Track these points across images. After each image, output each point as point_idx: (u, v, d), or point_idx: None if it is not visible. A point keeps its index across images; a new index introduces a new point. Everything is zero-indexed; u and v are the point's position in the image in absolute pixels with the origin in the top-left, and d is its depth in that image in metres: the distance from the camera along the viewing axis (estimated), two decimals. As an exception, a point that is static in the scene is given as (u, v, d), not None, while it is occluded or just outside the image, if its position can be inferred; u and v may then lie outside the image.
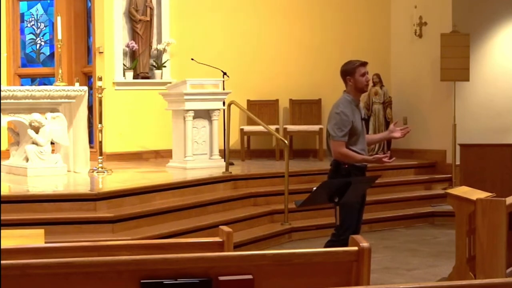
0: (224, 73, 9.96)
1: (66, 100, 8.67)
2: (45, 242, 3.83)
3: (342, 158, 5.47)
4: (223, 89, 9.56)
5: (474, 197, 5.63)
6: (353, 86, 5.52)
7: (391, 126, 5.77)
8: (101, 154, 8.77)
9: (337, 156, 5.47)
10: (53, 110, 8.57)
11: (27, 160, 8.40)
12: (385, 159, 5.45)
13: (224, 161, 9.16)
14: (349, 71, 5.54)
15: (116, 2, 10.63)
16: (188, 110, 9.17)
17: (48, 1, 11.47)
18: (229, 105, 9.21)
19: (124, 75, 10.66)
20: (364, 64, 5.57)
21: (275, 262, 2.89)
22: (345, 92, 5.59)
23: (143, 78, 10.78)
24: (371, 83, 10.81)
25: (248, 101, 11.08)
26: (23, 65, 11.52)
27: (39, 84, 10.93)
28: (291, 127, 10.96)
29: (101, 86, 8.83)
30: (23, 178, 8.21)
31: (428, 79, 10.61)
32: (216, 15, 11.22)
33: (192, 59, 10.30)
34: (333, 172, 5.56)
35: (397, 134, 5.67)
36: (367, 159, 5.56)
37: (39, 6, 11.52)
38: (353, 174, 5.47)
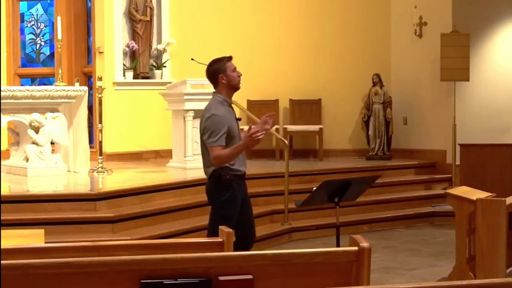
0: (224, 73, 9.94)
1: (66, 100, 8.66)
2: (45, 242, 3.83)
3: (223, 161, 4.99)
4: (223, 89, 9.54)
5: (474, 197, 5.63)
6: (227, 84, 5.14)
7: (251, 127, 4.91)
8: (101, 154, 8.77)
9: (218, 162, 4.99)
10: (53, 110, 8.56)
11: (27, 160, 8.39)
12: (259, 130, 4.80)
13: (224, 161, 9.14)
14: (221, 69, 5.12)
15: (116, 2, 10.63)
16: (188, 110, 9.16)
17: (48, 1, 11.47)
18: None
19: (124, 75, 10.65)
20: (231, 58, 5.20)
21: (275, 262, 2.89)
22: (215, 93, 5.22)
23: (143, 78, 10.77)
24: (371, 83, 10.81)
25: (248, 101, 11.07)
26: (23, 65, 11.52)
27: (39, 84, 10.93)
28: (291, 127, 10.96)
29: (101, 86, 8.82)
30: (23, 178, 8.21)
31: (428, 79, 10.60)
32: (216, 15, 11.21)
33: (192, 59, 10.25)
34: (213, 186, 5.12)
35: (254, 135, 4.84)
36: (239, 146, 4.96)
37: (39, 6, 11.51)
38: (234, 184, 5.07)
